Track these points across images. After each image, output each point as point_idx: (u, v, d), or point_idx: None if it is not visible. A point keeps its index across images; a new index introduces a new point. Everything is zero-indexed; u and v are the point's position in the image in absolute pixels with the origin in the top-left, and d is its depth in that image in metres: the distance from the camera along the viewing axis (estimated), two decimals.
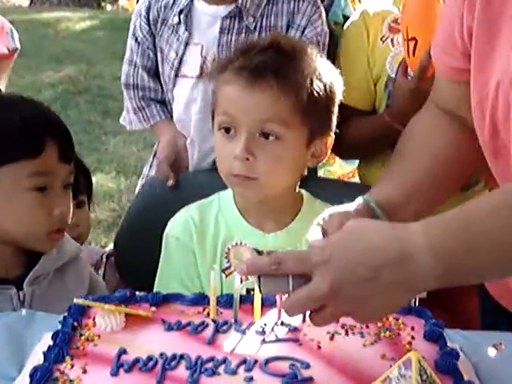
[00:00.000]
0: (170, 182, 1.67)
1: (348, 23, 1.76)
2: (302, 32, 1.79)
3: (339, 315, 0.93)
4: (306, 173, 1.44)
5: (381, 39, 1.67)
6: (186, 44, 1.78)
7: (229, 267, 1.40)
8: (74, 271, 1.44)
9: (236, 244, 1.40)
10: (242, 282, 1.06)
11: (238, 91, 1.32)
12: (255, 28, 1.76)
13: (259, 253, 0.97)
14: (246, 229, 1.41)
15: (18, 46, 2.28)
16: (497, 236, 0.87)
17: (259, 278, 0.93)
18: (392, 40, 1.65)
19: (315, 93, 1.33)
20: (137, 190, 1.90)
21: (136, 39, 1.87)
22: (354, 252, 0.89)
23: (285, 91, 1.30)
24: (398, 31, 1.62)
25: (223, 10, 1.77)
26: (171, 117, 1.87)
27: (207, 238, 1.42)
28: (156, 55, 1.87)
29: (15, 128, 1.30)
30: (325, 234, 1.04)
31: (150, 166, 1.96)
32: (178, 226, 1.45)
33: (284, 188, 1.40)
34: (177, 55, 1.79)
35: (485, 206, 0.90)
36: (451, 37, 1.16)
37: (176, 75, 1.80)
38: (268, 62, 1.31)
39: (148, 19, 1.84)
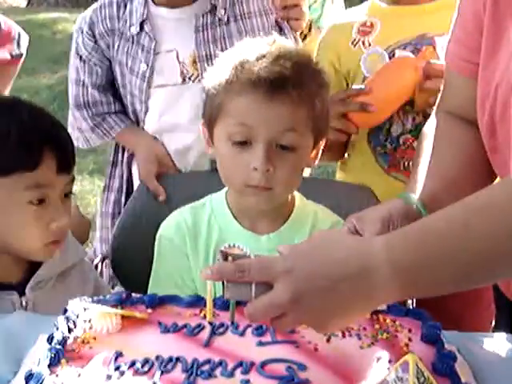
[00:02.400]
0: (161, 198, 1.67)
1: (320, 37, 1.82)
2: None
3: (299, 323, 0.94)
4: None
5: (352, 43, 1.72)
6: (154, 54, 1.75)
7: None
8: (77, 276, 1.42)
9: (229, 246, 1.40)
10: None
11: (257, 102, 1.29)
12: (228, 19, 1.75)
13: (226, 258, 0.98)
14: (239, 231, 1.41)
15: (24, 51, 2.24)
16: (453, 252, 0.89)
17: (223, 283, 0.95)
18: (363, 42, 1.71)
19: (323, 99, 1.35)
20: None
21: (81, 57, 1.84)
22: (316, 263, 0.90)
23: (302, 101, 1.30)
24: (367, 33, 1.70)
25: (187, 10, 1.75)
26: (133, 122, 1.84)
27: (200, 241, 1.42)
28: (108, 69, 1.83)
29: (12, 140, 1.26)
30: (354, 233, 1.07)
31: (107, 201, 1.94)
32: (170, 229, 1.45)
33: None
34: (147, 66, 1.75)
35: (443, 223, 0.91)
36: (473, 31, 1.15)
37: (149, 86, 1.77)
38: (286, 73, 1.29)
39: (93, 35, 1.80)
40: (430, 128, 1.28)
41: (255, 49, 1.34)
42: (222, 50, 1.46)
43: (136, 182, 1.87)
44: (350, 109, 1.60)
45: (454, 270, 0.90)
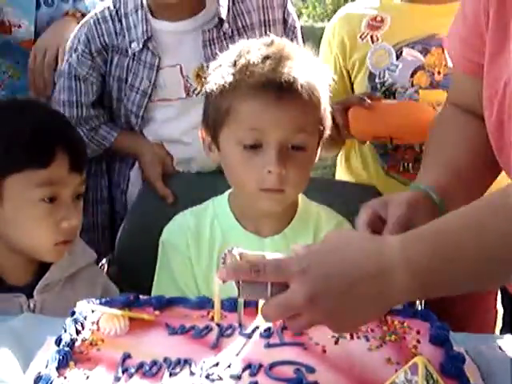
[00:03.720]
0: (170, 200, 1.66)
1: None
2: (284, 23, 1.78)
3: (314, 324, 0.94)
4: None
5: (360, 37, 1.71)
6: (158, 69, 1.71)
7: None
8: (86, 279, 1.42)
9: (232, 249, 1.39)
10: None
11: (268, 105, 1.29)
12: (233, 32, 1.72)
13: (240, 257, 0.98)
14: (243, 234, 1.40)
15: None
16: (469, 253, 0.89)
17: (239, 282, 0.94)
18: (372, 37, 1.70)
19: (325, 97, 1.35)
20: None
21: (76, 77, 1.76)
22: (332, 264, 0.90)
23: (311, 101, 1.31)
24: (376, 28, 1.69)
25: (190, 23, 1.71)
26: (123, 128, 1.81)
27: (203, 244, 1.42)
28: (101, 85, 1.79)
29: (25, 137, 1.27)
30: (373, 219, 1.07)
31: None
32: (173, 233, 1.45)
33: None
34: (150, 82, 1.71)
35: (458, 224, 0.91)
36: (477, 31, 1.15)
37: (150, 100, 1.73)
38: (295, 74, 1.29)
39: (90, 53, 1.74)
40: (440, 118, 1.29)
41: (256, 50, 1.34)
42: None
43: (132, 187, 1.85)
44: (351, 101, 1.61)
45: (470, 271, 0.90)
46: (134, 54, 1.72)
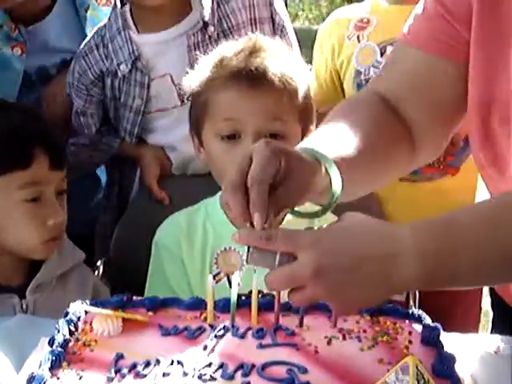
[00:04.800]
0: (165, 202, 1.66)
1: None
2: (273, 22, 1.77)
3: (316, 299, 0.93)
4: None
5: (347, 37, 1.76)
6: (148, 86, 1.71)
7: (219, 273, 1.40)
8: (77, 278, 1.43)
9: (225, 249, 1.40)
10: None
11: (240, 95, 1.32)
12: (218, 35, 1.70)
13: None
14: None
15: None
16: (480, 247, 0.89)
17: (249, 248, 0.93)
18: (358, 36, 1.74)
19: (303, 86, 1.37)
20: None
21: (77, 112, 1.80)
22: (343, 241, 0.91)
23: (285, 90, 1.33)
24: (362, 29, 1.74)
25: (173, 31, 1.71)
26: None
27: (195, 246, 1.42)
28: (102, 110, 1.81)
29: (3, 140, 1.27)
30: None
31: None
32: (165, 235, 1.45)
33: None
34: (142, 100, 1.72)
35: (471, 217, 0.92)
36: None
37: (148, 112, 1.74)
38: (266, 62, 1.32)
39: (85, 88, 1.76)
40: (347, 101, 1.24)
41: (232, 47, 1.38)
42: None
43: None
44: None
45: (478, 265, 0.90)
46: (124, 76, 1.72)
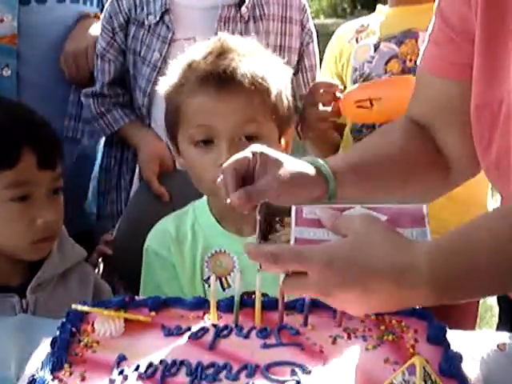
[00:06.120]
0: (165, 198, 1.66)
1: None
2: (302, 26, 1.82)
3: (316, 290, 0.90)
4: None
5: (348, 42, 1.80)
6: (170, 42, 1.73)
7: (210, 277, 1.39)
8: (78, 276, 1.41)
9: (215, 252, 1.39)
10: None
11: (210, 99, 1.29)
12: (249, 18, 1.75)
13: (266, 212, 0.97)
14: (224, 235, 1.40)
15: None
16: (497, 267, 0.87)
17: None
18: (357, 39, 1.78)
19: (277, 86, 1.34)
20: None
21: (96, 54, 1.84)
22: (353, 263, 0.88)
23: (257, 90, 1.30)
24: (361, 32, 1.78)
25: (209, 1, 1.74)
26: (138, 118, 1.83)
27: (185, 249, 1.41)
28: (122, 65, 1.83)
29: None
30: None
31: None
32: (155, 240, 1.44)
33: None
34: (160, 55, 1.74)
35: (487, 236, 0.89)
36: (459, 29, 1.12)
37: (159, 72, 1.73)
38: (234, 64, 1.30)
39: (111, 29, 1.80)
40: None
41: (201, 49, 1.35)
42: None
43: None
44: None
45: (495, 282, 0.89)
46: (150, 27, 1.75)
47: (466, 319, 1.73)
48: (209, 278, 1.38)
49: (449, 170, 1.18)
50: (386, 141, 1.17)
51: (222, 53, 1.32)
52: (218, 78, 1.28)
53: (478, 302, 1.80)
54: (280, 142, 1.38)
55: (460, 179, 1.21)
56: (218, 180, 1.02)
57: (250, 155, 1.02)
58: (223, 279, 1.38)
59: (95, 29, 1.90)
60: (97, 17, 1.95)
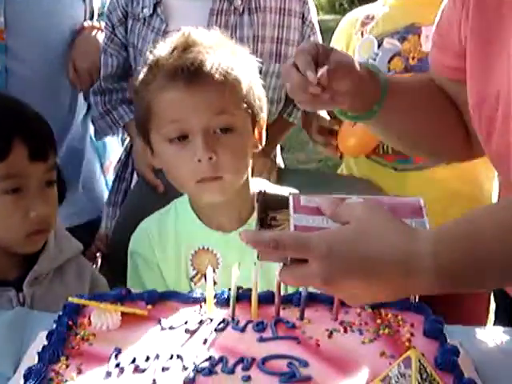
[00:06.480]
0: (160, 190, 1.65)
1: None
2: (302, 18, 1.81)
3: (318, 278, 0.88)
4: None
5: (355, 34, 1.78)
6: (164, 33, 1.73)
7: (196, 274, 1.39)
8: (74, 270, 1.41)
9: (199, 249, 1.39)
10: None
11: (180, 94, 1.28)
12: (243, 10, 1.74)
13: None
14: (206, 232, 1.39)
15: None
16: (502, 259, 0.87)
17: None
18: (362, 32, 1.76)
19: (247, 76, 1.34)
20: None
21: (105, 51, 1.87)
22: (354, 250, 0.87)
23: (227, 81, 1.30)
24: (366, 24, 1.76)
25: None
26: None
27: (169, 249, 1.41)
28: (125, 59, 1.85)
29: None
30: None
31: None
32: (138, 242, 1.45)
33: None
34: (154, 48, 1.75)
35: (492, 228, 0.88)
36: (448, 37, 1.16)
37: None
38: (201, 57, 1.29)
39: (111, 24, 1.83)
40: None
41: (166, 45, 1.34)
42: (231, 39, 1.44)
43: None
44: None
45: (499, 274, 0.89)
46: (145, 19, 1.78)
47: (476, 314, 1.73)
48: (194, 276, 1.38)
49: (469, 137, 1.22)
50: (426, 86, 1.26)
51: (187, 47, 1.31)
52: (186, 71, 1.27)
53: (489, 300, 1.80)
54: (254, 132, 1.38)
55: (477, 150, 1.22)
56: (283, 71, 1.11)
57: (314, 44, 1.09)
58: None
59: (100, 39, 1.92)
60: (99, 28, 1.96)
